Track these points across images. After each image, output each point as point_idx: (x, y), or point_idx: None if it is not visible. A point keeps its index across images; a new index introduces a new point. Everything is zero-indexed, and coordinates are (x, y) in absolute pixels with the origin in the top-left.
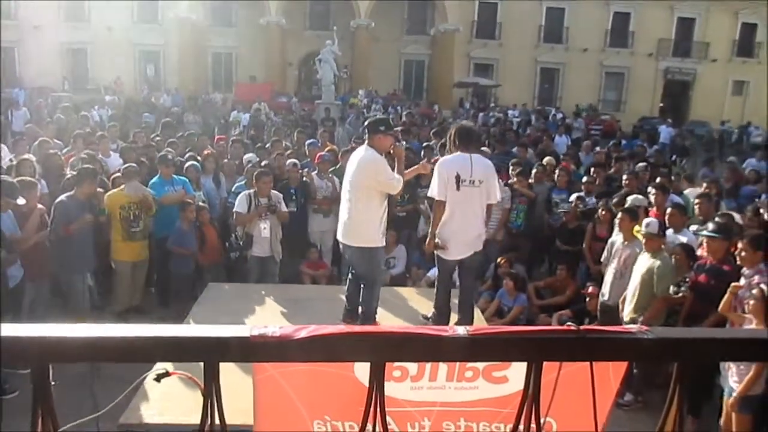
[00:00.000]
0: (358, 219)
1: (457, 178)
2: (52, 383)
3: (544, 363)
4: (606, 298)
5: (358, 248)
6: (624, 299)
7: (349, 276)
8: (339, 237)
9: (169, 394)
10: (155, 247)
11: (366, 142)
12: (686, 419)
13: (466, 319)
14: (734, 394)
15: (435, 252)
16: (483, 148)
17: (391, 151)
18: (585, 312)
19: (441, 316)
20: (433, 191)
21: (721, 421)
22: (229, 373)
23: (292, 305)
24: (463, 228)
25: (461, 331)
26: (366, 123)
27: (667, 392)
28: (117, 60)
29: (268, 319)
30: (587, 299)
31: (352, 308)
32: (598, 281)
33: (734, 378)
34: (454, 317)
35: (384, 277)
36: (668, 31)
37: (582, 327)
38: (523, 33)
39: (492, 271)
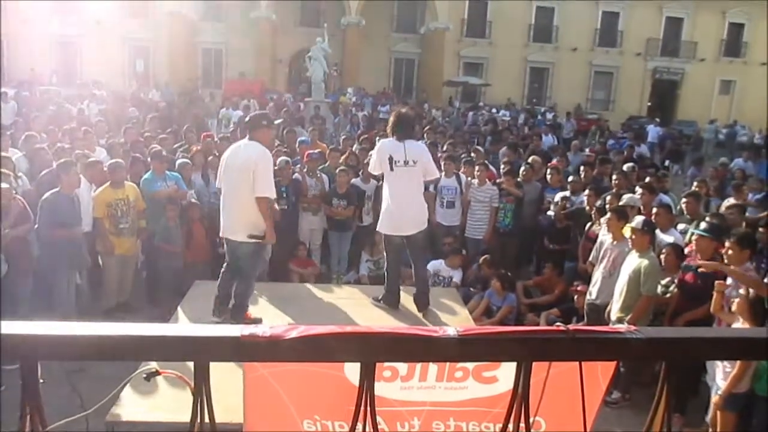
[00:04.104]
0: None
1: (390, 159)
2: (41, 381)
3: (534, 363)
4: (594, 297)
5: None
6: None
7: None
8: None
9: (156, 392)
10: (147, 242)
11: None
12: (672, 417)
13: (423, 291)
14: (719, 392)
15: (380, 231)
16: (478, 147)
17: None
18: (573, 311)
19: (391, 294)
20: (370, 167)
21: (708, 418)
22: (218, 370)
23: (281, 303)
24: (400, 205)
25: (451, 331)
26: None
27: (654, 390)
28: (106, 54)
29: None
30: (575, 297)
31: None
32: (586, 280)
33: (720, 377)
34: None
35: None
36: (657, 31)
37: (571, 327)
38: (512, 32)
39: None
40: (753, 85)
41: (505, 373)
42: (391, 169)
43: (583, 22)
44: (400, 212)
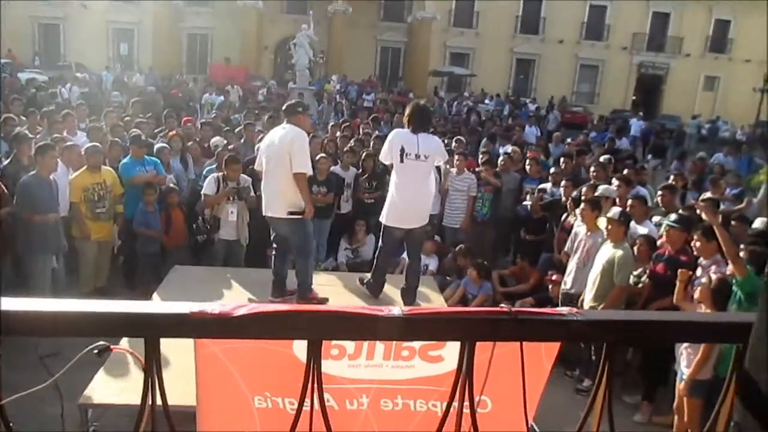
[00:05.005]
0: None
1: (402, 151)
2: None
3: (478, 343)
4: (568, 287)
5: None
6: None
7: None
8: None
9: (128, 375)
10: (125, 227)
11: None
12: (642, 404)
13: (413, 286)
14: (684, 378)
15: (383, 222)
16: (460, 137)
17: None
18: (548, 300)
19: (377, 284)
20: (381, 156)
21: (674, 405)
22: (179, 354)
23: (258, 289)
24: (405, 198)
25: (396, 311)
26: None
27: (625, 379)
28: (90, 37)
29: (232, 302)
30: (550, 287)
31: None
32: (562, 270)
33: (684, 363)
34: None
35: None
36: (643, 26)
37: (514, 308)
38: (499, 23)
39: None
40: (737, 82)
41: (451, 352)
42: (401, 160)
43: (571, 14)
44: (405, 205)
